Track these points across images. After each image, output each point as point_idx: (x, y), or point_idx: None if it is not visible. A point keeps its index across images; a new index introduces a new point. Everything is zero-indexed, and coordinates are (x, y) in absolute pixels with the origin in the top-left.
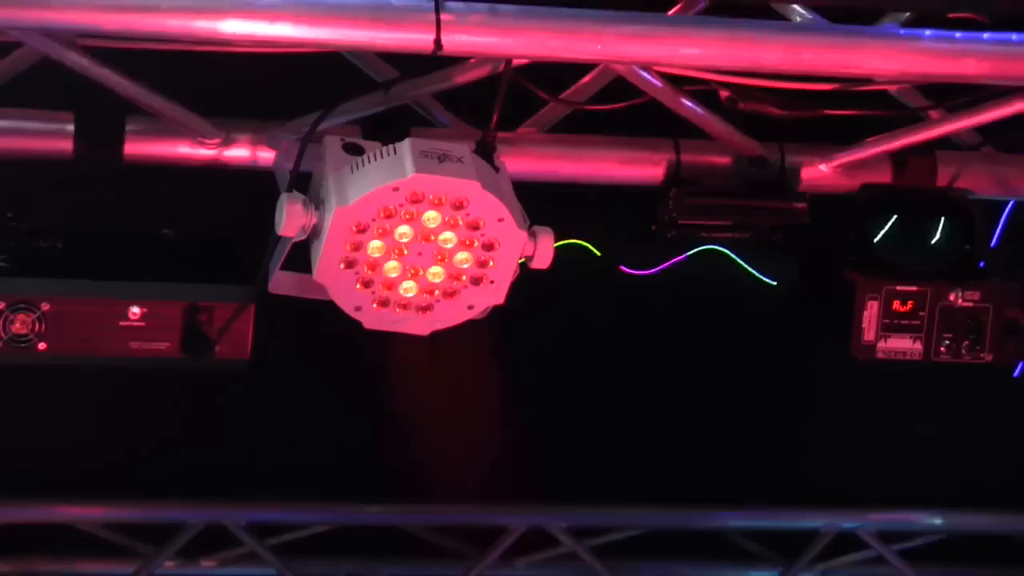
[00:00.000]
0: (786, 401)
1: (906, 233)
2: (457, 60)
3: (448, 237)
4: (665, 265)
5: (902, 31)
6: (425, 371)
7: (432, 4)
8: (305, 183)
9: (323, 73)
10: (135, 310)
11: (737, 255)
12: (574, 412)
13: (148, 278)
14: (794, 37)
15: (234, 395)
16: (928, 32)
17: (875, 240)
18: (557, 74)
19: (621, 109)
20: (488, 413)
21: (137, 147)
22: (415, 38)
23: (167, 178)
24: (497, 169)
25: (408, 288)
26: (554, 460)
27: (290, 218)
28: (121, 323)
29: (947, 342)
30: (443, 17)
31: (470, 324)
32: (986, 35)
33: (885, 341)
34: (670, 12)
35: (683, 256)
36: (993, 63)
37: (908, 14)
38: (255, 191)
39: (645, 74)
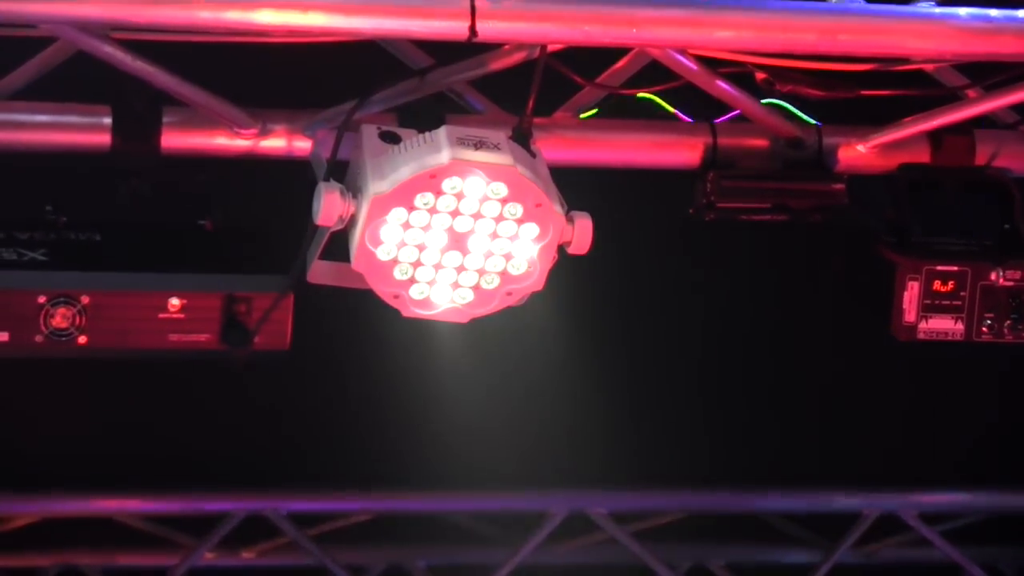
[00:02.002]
0: (826, 383)
1: (945, 213)
2: (492, 46)
3: (486, 223)
4: None
5: (938, 10)
6: (462, 357)
7: None
8: (342, 172)
9: (358, 61)
10: (174, 302)
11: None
12: (613, 396)
13: (186, 270)
14: (830, 18)
15: (273, 385)
16: (964, 11)
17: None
18: (592, 59)
19: (657, 93)
20: (526, 398)
21: (174, 139)
22: (450, 25)
23: (204, 169)
24: (534, 155)
25: (446, 275)
26: (594, 445)
27: (327, 207)
28: (160, 315)
29: (989, 322)
30: (477, 3)
31: (506, 308)
32: (1022, 13)
33: (926, 321)
34: None
35: None
36: None
37: None
38: (292, 181)
39: (680, 57)
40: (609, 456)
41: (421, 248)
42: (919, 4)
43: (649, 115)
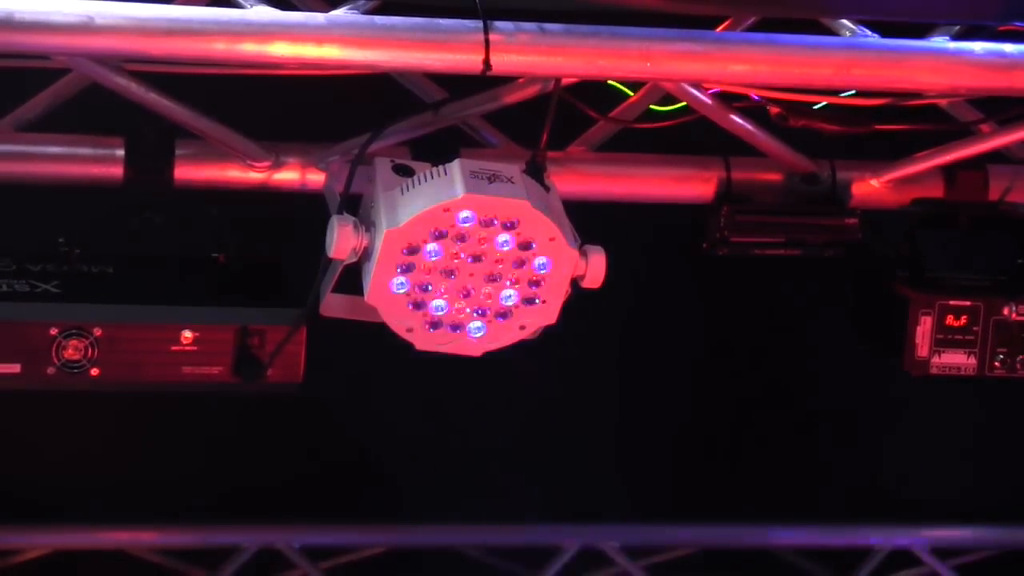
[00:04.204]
0: (838, 415)
1: (958, 247)
2: (506, 80)
3: (499, 257)
4: None
5: (952, 45)
6: (474, 391)
7: (480, 24)
8: (355, 205)
9: (372, 95)
10: (187, 334)
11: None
12: (627, 429)
13: (199, 302)
14: (844, 53)
15: (286, 417)
16: (978, 46)
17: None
18: (606, 92)
19: (670, 127)
20: (539, 431)
21: (187, 171)
22: (464, 59)
23: (217, 201)
24: (547, 188)
25: (459, 309)
26: (607, 478)
27: (341, 240)
28: (173, 348)
29: (1001, 356)
30: (492, 37)
31: (519, 342)
32: None
33: (939, 356)
34: (719, 29)
35: None
36: None
37: (958, 28)
38: (305, 214)
39: (694, 91)
40: (622, 490)
41: (434, 282)
42: (933, 39)
43: (663, 148)
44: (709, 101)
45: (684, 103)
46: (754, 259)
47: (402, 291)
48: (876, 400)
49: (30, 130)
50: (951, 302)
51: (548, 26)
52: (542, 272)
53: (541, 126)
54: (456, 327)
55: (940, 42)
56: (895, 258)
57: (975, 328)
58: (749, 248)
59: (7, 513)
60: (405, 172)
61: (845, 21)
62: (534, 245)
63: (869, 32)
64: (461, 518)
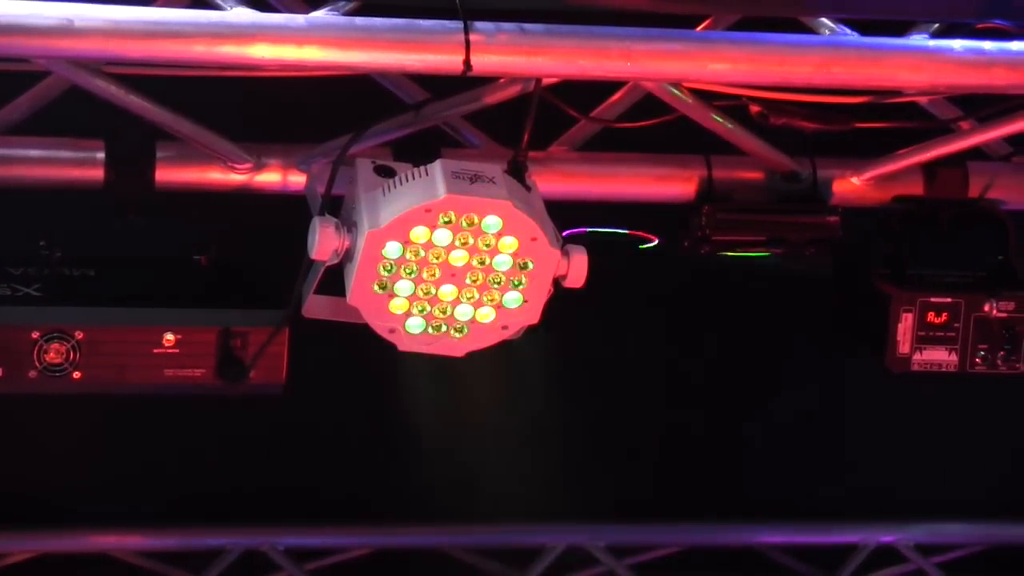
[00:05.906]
0: (821, 413)
1: (939, 245)
2: (487, 80)
3: (481, 258)
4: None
5: (932, 43)
6: (459, 392)
7: (461, 25)
8: (337, 206)
9: (353, 96)
10: (169, 337)
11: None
12: (612, 429)
13: (181, 304)
14: (824, 51)
15: (269, 419)
16: (957, 43)
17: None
18: (587, 92)
19: (652, 126)
20: (524, 431)
21: (168, 173)
22: (444, 59)
23: (198, 204)
24: (529, 188)
25: (442, 309)
26: (592, 478)
27: (322, 242)
28: (155, 350)
29: (982, 353)
30: (472, 37)
31: (502, 342)
32: (1015, 45)
33: (920, 353)
34: (699, 28)
35: None
36: (1023, 73)
37: (937, 25)
38: (287, 215)
39: (675, 90)
40: (607, 489)
41: (416, 282)
42: (912, 37)
43: (644, 148)
44: (690, 100)
45: None
46: (736, 257)
47: (384, 292)
48: (859, 398)
49: (10, 133)
50: (932, 299)
51: (529, 26)
52: (524, 272)
53: (522, 126)
54: (438, 328)
55: (919, 40)
56: (876, 255)
57: (956, 325)
58: (731, 247)
59: None
60: (387, 173)
61: (824, 20)
62: (516, 245)
63: (848, 30)
64: (447, 518)
